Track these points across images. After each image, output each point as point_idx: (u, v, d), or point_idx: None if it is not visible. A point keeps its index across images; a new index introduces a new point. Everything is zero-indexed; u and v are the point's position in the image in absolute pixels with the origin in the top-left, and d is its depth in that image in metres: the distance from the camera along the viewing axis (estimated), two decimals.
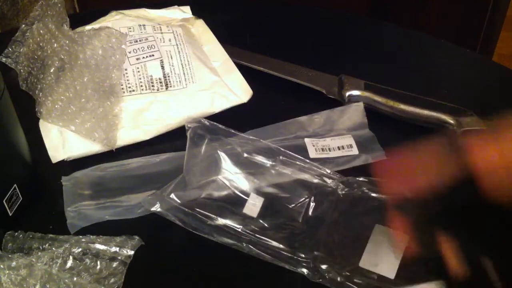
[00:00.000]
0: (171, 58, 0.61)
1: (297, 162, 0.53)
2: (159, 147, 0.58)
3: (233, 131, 0.54)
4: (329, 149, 0.57)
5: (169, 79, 0.60)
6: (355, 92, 0.62)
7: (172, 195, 0.50)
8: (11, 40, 0.67)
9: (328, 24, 0.79)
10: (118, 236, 0.48)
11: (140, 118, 0.59)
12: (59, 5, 0.64)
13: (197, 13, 0.70)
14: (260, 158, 0.54)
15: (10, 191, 0.49)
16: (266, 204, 0.51)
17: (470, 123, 0.58)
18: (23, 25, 0.66)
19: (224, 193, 0.52)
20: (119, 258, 0.46)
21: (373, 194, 0.51)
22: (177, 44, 0.63)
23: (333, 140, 0.58)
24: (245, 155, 0.54)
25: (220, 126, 0.54)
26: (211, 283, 0.47)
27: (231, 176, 0.53)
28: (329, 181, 0.53)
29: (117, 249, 0.47)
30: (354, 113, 0.61)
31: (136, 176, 0.55)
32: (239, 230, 0.49)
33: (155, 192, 0.52)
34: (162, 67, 0.61)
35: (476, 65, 0.75)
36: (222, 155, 0.53)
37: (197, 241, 0.50)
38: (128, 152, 0.58)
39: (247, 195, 0.52)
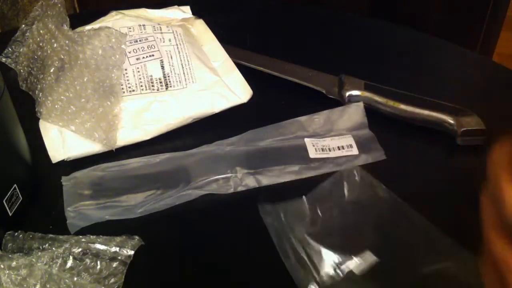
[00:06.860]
0: (171, 58, 0.61)
1: None
2: (159, 147, 0.58)
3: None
4: (329, 149, 0.57)
5: (169, 79, 0.60)
6: (355, 92, 0.62)
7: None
8: (11, 40, 0.67)
9: (328, 24, 0.79)
10: (118, 236, 0.48)
11: (140, 118, 0.59)
12: (59, 5, 0.64)
13: (197, 13, 0.70)
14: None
15: (10, 191, 0.49)
16: None
17: (470, 123, 0.58)
18: (23, 25, 0.66)
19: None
20: (119, 258, 0.46)
21: None
22: (177, 44, 0.63)
23: (333, 140, 0.58)
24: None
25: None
26: (211, 284, 0.47)
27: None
28: None
29: (117, 249, 0.47)
30: (354, 113, 0.61)
31: (136, 176, 0.55)
32: None
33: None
34: (162, 67, 0.61)
35: (476, 65, 0.75)
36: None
37: (197, 241, 0.50)
38: (128, 152, 0.58)
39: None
